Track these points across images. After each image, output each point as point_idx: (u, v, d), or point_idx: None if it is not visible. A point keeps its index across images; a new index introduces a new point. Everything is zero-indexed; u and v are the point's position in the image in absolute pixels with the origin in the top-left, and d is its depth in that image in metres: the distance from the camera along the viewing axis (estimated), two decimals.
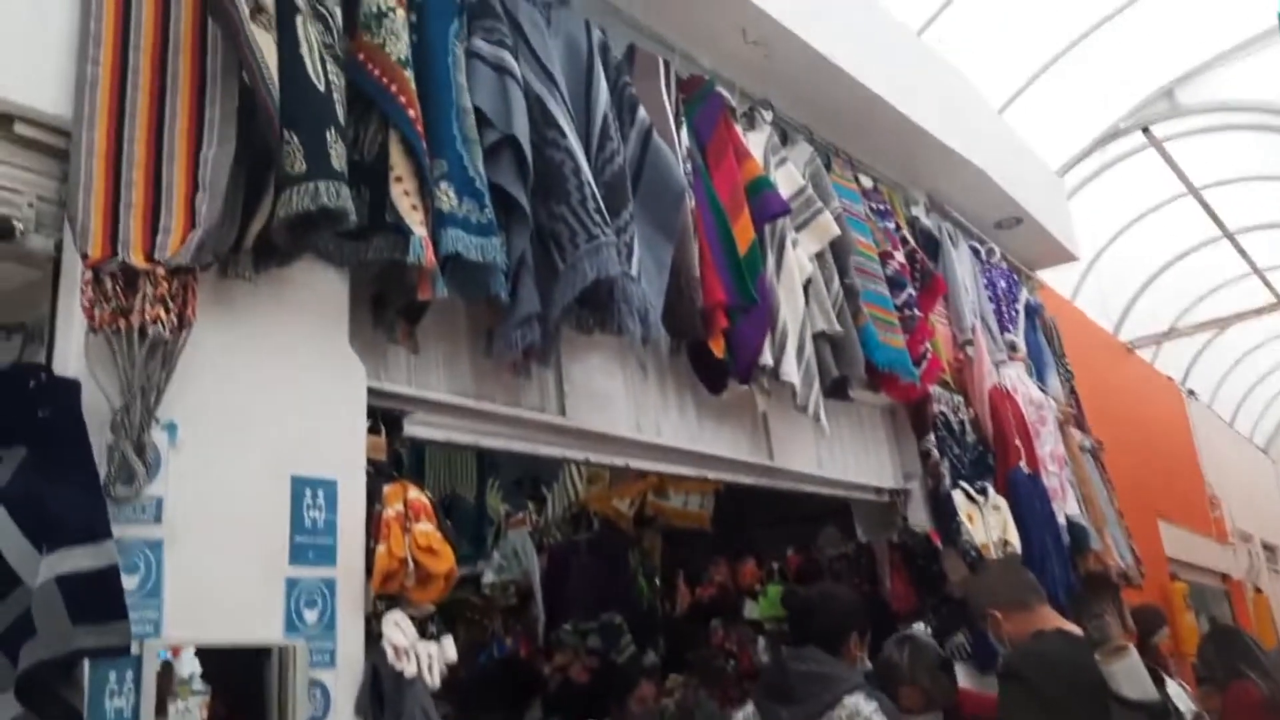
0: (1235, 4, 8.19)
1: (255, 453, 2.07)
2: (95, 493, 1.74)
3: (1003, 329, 5.54)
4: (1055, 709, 2.53)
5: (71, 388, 1.79)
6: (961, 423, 4.78)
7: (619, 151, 2.97)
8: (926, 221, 5.32)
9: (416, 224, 2.27)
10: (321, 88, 2.14)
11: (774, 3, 3.86)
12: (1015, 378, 5.23)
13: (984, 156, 5.44)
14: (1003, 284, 5.88)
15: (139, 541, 1.84)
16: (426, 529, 2.21)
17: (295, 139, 2.03)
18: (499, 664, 5.44)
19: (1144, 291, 11.32)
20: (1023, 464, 4.79)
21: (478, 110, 2.58)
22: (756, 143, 3.97)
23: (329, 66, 2.23)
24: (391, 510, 2.21)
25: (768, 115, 4.15)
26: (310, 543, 2.10)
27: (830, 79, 4.31)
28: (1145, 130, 8.82)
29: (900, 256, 4.53)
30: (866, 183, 4.77)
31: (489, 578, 5.53)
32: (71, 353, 1.85)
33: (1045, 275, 7.07)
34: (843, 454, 4.30)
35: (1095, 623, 4.16)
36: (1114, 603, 5.45)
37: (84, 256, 1.86)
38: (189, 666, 1.87)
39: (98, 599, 1.64)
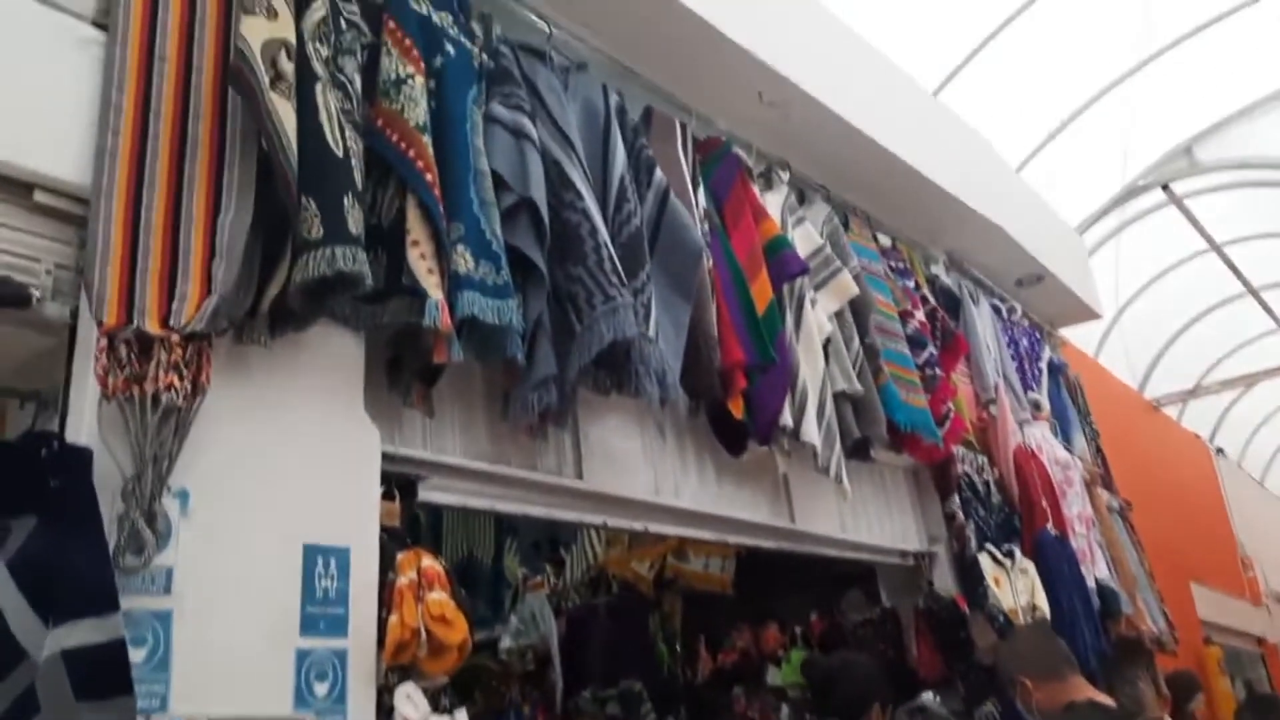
0: (1251, 62, 8.22)
1: (267, 520, 2.04)
2: (104, 564, 1.71)
3: (1026, 388, 5.48)
4: None
5: (83, 456, 1.77)
6: (986, 484, 4.70)
7: (636, 212, 2.97)
8: (946, 279, 5.29)
9: (432, 287, 2.26)
10: (339, 154, 2.15)
11: (790, 65, 3.89)
12: (1040, 437, 5.15)
13: (1003, 214, 5.43)
14: (1025, 342, 5.83)
15: (147, 613, 1.80)
16: (440, 598, 2.16)
17: (313, 205, 2.03)
18: None
19: (1169, 348, 11.21)
20: (1050, 526, 4.69)
21: (495, 174, 2.59)
22: (774, 202, 3.97)
23: (347, 132, 2.24)
24: (405, 578, 2.17)
25: (785, 175, 4.16)
26: (321, 613, 2.05)
27: (847, 139, 4.33)
28: (1165, 187, 8.80)
29: (921, 315, 4.50)
30: (885, 241, 4.76)
31: (506, 643, 5.43)
32: (84, 420, 1.84)
33: (1068, 333, 7.01)
34: (866, 516, 4.23)
35: (1129, 691, 4.02)
36: (1147, 669, 5.27)
37: (99, 323, 1.85)
38: None
39: (103, 674, 1.60)
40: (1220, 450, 11.20)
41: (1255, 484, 12.75)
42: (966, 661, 4.17)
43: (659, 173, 3.18)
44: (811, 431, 3.43)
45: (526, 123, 2.74)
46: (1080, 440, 5.98)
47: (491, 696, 5.65)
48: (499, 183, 2.59)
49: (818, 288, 3.85)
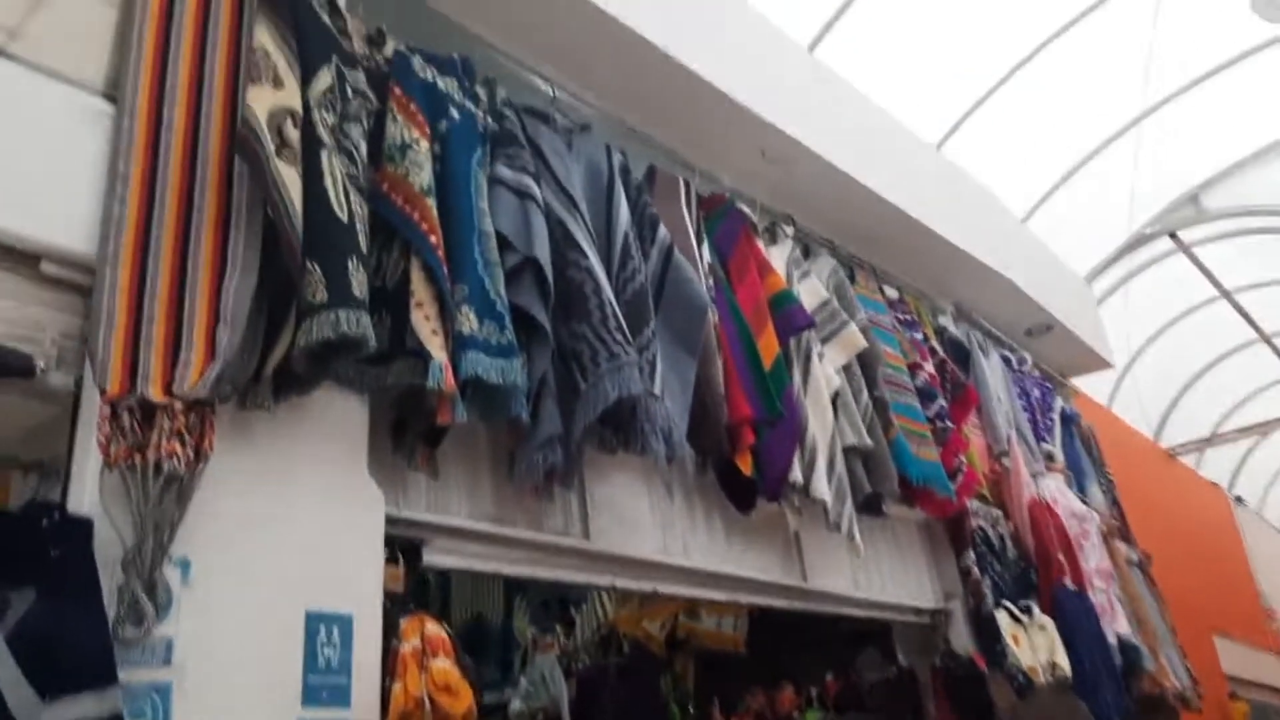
0: (1256, 109, 8.27)
1: (270, 587, 2.01)
2: (103, 637, 1.69)
3: (1039, 439, 5.42)
4: None
5: (84, 527, 1.76)
6: (1001, 537, 4.63)
7: (640, 269, 2.98)
8: (955, 331, 5.28)
9: (436, 349, 2.26)
10: (344, 218, 2.17)
11: (791, 122, 3.93)
12: (1055, 489, 5.09)
13: (1009, 264, 5.43)
14: (1036, 393, 5.79)
15: (147, 685, 1.77)
16: (444, 665, 2.13)
17: (317, 269, 2.04)
18: None
19: (1183, 396, 11.13)
20: (1067, 580, 4.61)
21: (499, 234, 2.61)
22: (779, 257, 3.98)
23: (352, 196, 2.26)
24: (408, 646, 2.14)
25: (789, 230, 4.18)
26: (324, 682, 2.02)
27: (850, 194, 4.35)
28: (1173, 235, 8.81)
29: (929, 367, 4.48)
30: (891, 293, 4.76)
31: (516, 705, 5.33)
32: (86, 489, 1.83)
33: (1079, 382, 6.97)
34: (879, 573, 4.16)
35: None
36: None
37: (102, 392, 1.85)
38: None
39: None
40: (1239, 499, 11.06)
41: (1276, 533, 12.54)
42: None
43: (663, 230, 3.19)
44: (822, 487, 3.40)
45: (530, 183, 2.77)
46: (1096, 492, 5.91)
47: None
48: (503, 243, 2.60)
49: (825, 341, 3.84)
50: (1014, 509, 4.76)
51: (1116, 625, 4.87)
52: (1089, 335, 6.40)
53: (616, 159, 3.23)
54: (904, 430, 3.98)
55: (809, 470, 3.40)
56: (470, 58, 2.92)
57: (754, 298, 3.54)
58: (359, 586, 2.17)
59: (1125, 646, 4.80)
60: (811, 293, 3.96)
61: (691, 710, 5.60)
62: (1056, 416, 5.86)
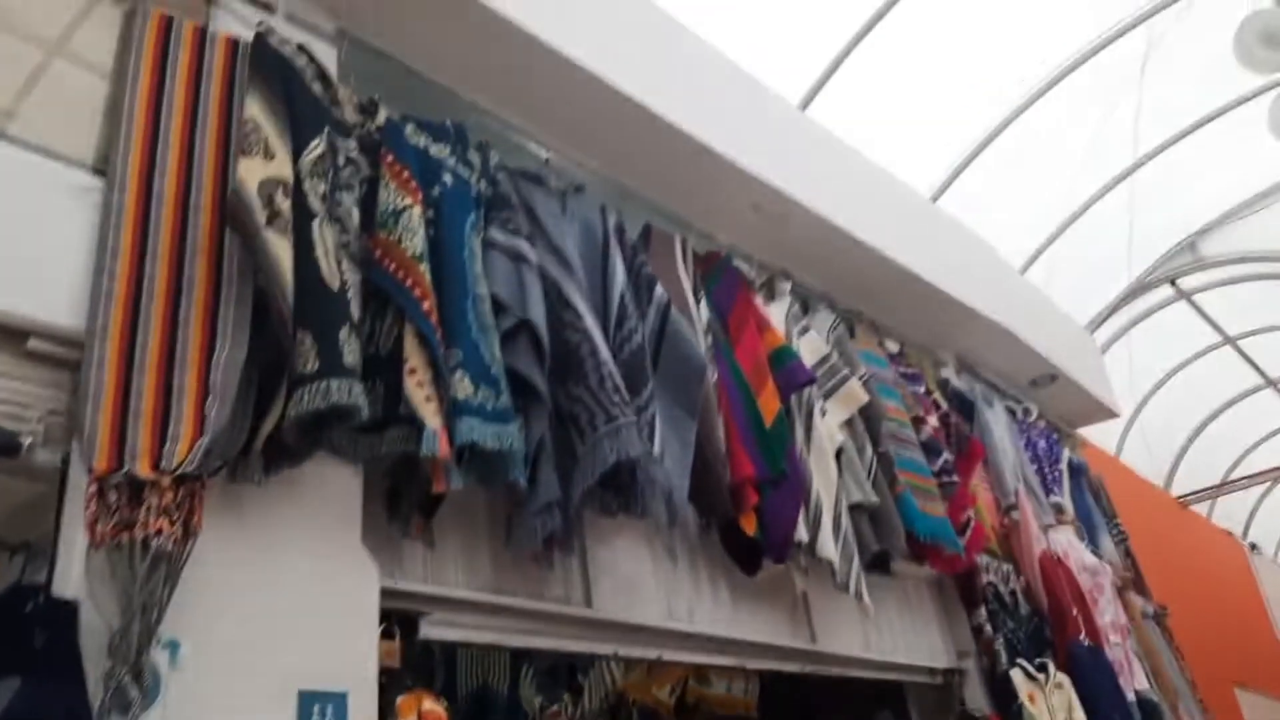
0: (1249, 155, 8.33)
1: (261, 668, 1.95)
2: None
3: (1047, 491, 5.35)
4: None
5: (69, 610, 1.70)
6: (1013, 593, 4.54)
7: (637, 329, 2.95)
8: (958, 383, 5.24)
9: (430, 415, 2.22)
10: (335, 287, 2.15)
11: (785, 179, 3.93)
12: (1066, 543, 5.00)
13: (1010, 316, 5.41)
14: (1043, 444, 5.72)
15: None
16: None
17: (308, 338, 2.02)
18: None
19: (1192, 444, 11.04)
20: (1082, 636, 4.51)
21: (494, 297, 2.59)
22: (777, 313, 3.96)
23: (344, 265, 2.25)
24: None
25: (787, 285, 4.17)
26: None
27: (847, 247, 4.35)
28: (1173, 283, 8.82)
29: (934, 421, 4.43)
30: (893, 347, 4.73)
31: None
32: (73, 570, 1.77)
33: (1086, 432, 6.91)
34: (890, 633, 4.07)
35: None
36: None
37: (90, 469, 1.81)
38: None
39: None
40: (1254, 546, 10.90)
41: None
42: None
43: (659, 289, 3.17)
44: (828, 547, 3.33)
45: (524, 246, 2.76)
46: (1108, 544, 5.81)
47: None
48: (498, 306, 2.58)
49: (826, 397, 3.80)
50: (1025, 564, 4.67)
51: (1135, 682, 4.75)
52: (1093, 384, 6.36)
53: (611, 219, 3.23)
54: (910, 486, 3.92)
55: (814, 529, 3.33)
56: (464, 123, 2.94)
57: (753, 355, 3.52)
58: (354, 663, 2.10)
59: (1144, 703, 4.67)
60: (811, 348, 3.93)
61: None
62: (1064, 468, 5.78)
